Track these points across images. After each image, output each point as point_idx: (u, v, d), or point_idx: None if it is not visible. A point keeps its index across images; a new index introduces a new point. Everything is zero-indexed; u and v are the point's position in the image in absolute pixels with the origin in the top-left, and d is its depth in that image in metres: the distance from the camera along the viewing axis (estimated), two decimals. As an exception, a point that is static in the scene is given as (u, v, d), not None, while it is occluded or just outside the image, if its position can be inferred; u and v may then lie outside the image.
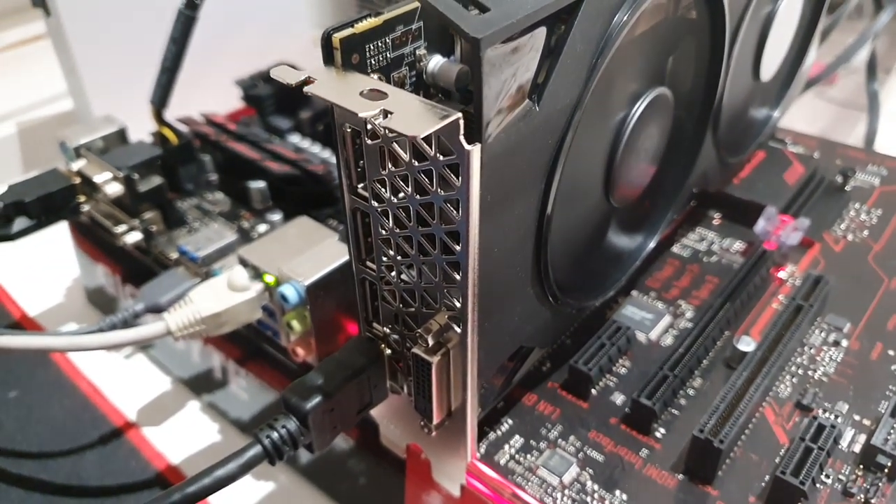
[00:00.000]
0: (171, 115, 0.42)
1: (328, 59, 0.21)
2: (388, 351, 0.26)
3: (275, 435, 0.24)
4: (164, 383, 0.41)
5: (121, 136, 0.40)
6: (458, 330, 0.23)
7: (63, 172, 0.39)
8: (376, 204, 0.22)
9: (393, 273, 0.23)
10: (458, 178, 0.19)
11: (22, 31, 0.75)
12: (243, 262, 0.31)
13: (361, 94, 0.19)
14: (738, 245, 0.37)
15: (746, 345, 0.30)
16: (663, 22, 0.27)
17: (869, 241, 0.37)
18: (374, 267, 0.24)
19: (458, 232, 0.20)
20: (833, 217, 0.39)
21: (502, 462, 0.28)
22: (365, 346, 0.26)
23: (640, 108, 0.26)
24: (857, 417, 0.29)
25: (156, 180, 0.38)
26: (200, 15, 0.38)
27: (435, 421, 0.25)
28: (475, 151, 0.19)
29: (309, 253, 0.31)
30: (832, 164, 0.42)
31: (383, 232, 0.23)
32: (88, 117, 0.50)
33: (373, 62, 0.21)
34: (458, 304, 0.22)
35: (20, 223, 0.38)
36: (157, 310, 0.34)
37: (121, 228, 0.37)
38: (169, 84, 0.39)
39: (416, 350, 0.23)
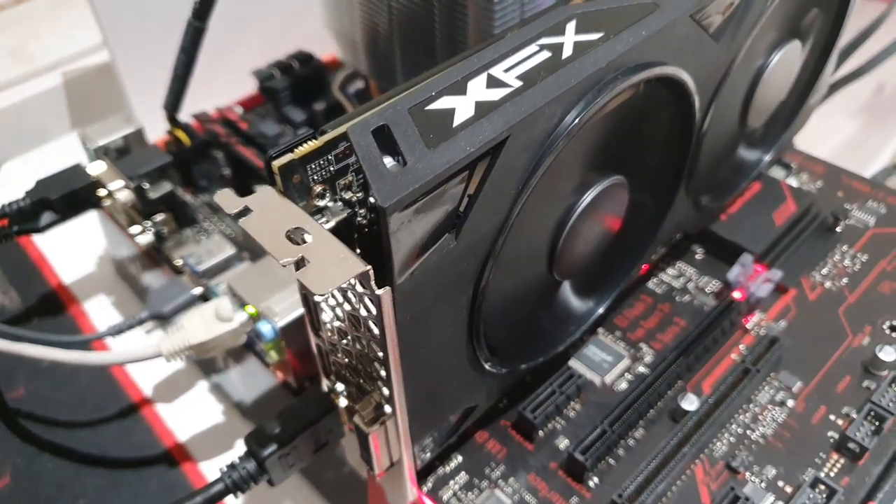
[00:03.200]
0: (192, 101, 0.44)
1: (271, 181, 0.22)
2: (344, 403, 0.29)
3: (236, 475, 0.28)
4: (178, 362, 0.46)
5: (139, 136, 0.43)
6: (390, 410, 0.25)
7: (85, 169, 0.42)
8: (318, 298, 0.24)
9: (337, 346, 0.26)
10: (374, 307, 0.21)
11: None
12: (231, 290, 0.34)
13: (287, 233, 0.21)
14: (714, 285, 0.38)
15: (689, 403, 0.32)
16: (627, 103, 0.27)
17: (845, 291, 0.37)
18: (324, 338, 0.27)
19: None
20: (816, 260, 0.39)
21: (445, 498, 0.31)
22: (322, 396, 0.29)
23: (588, 198, 0.27)
24: (780, 484, 0.30)
25: (166, 186, 0.40)
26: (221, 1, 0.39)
27: (377, 472, 0.28)
28: (385, 295, 0.20)
29: (291, 288, 0.33)
30: (833, 197, 0.42)
31: (325, 319, 0.25)
32: (121, 74, 0.52)
33: (316, 177, 0.23)
34: (386, 393, 0.25)
35: (47, 217, 0.42)
36: (160, 317, 0.37)
37: (135, 230, 0.41)
38: (181, 91, 0.42)
39: (356, 420, 0.26)
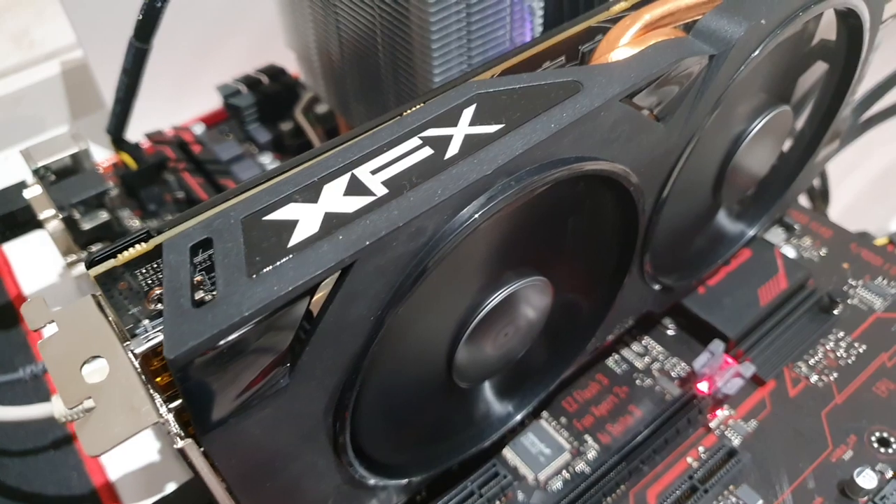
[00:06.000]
0: (162, 115, 0.41)
1: (95, 287, 0.19)
2: (221, 500, 0.26)
3: (96, 574, 0.25)
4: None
5: (86, 155, 0.41)
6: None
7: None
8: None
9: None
10: (190, 453, 0.18)
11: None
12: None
13: (84, 364, 0.18)
14: (682, 369, 0.34)
15: (623, 521, 0.28)
16: (543, 196, 0.23)
17: (833, 388, 0.33)
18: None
19: (214, 479, 0.20)
20: (805, 347, 0.34)
21: None
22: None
23: (489, 305, 0.23)
24: None
25: (102, 216, 0.38)
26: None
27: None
28: (188, 447, 0.17)
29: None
30: (837, 269, 0.37)
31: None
32: (96, 75, 0.50)
33: (150, 281, 0.20)
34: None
35: (-15, 238, 0.40)
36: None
37: (70, 258, 0.39)
38: (124, 114, 0.39)
39: (214, 538, 0.23)
